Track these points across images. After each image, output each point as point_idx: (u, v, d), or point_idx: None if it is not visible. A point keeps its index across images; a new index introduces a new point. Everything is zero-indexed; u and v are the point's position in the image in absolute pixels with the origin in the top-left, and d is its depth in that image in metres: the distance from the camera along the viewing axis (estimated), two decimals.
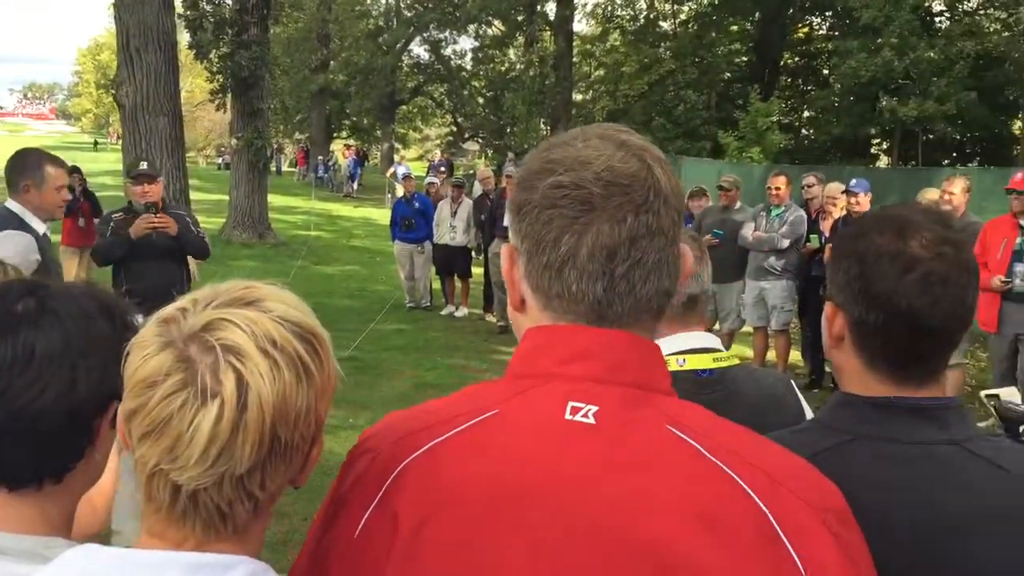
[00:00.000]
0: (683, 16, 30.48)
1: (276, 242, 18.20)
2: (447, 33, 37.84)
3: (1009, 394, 3.70)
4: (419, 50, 40.79)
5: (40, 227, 4.30)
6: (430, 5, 35.40)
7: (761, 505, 0.86)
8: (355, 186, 32.61)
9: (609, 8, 31.24)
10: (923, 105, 19.59)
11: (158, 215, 5.43)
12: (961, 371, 7.23)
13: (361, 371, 8.43)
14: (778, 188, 8.22)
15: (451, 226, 11.47)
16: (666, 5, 30.35)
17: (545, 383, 0.96)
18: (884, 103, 20.20)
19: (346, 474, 1.01)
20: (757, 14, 28.49)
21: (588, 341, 0.97)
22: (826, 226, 7.83)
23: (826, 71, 27.33)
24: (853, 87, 22.16)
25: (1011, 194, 6.47)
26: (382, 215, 21.83)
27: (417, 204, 11.83)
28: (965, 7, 24.51)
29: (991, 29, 22.82)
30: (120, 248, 5.42)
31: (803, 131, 28.60)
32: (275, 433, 0.88)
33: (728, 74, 28.83)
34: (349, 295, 13.12)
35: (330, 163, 36.51)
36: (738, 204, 8.78)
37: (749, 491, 0.87)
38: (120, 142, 16.63)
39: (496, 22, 35.09)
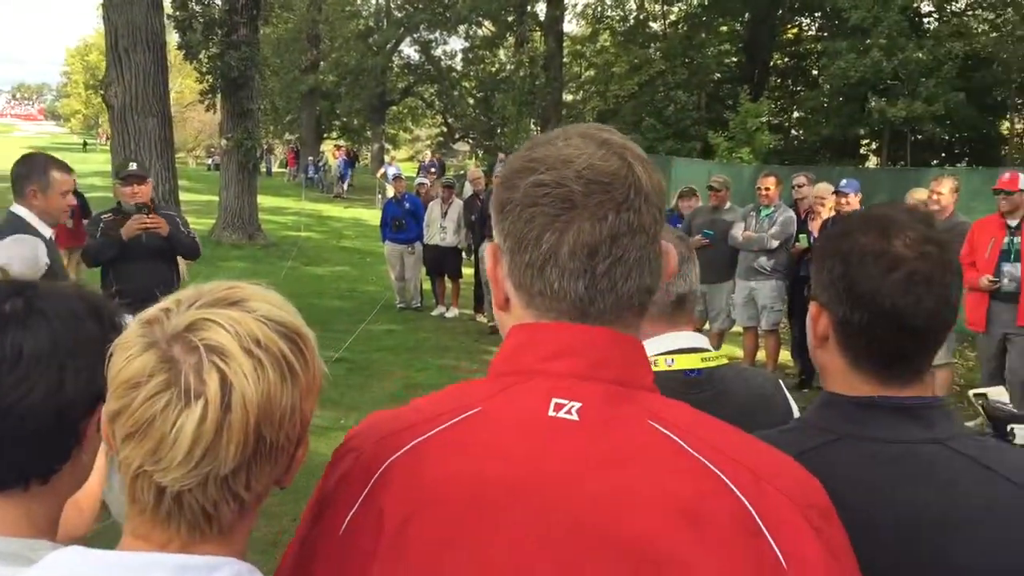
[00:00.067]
0: (673, 17, 30.54)
1: (266, 243, 18.15)
2: (437, 34, 37.80)
3: (997, 393, 3.72)
4: (409, 51, 40.85)
5: (46, 232, 4.31)
6: (420, 6, 35.36)
7: (744, 501, 0.86)
8: (345, 187, 32.55)
9: (599, 9, 31.30)
10: (912, 105, 19.66)
11: (150, 216, 5.42)
12: (950, 370, 7.26)
13: (351, 372, 8.42)
14: (768, 188, 8.25)
15: (441, 227, 11.46)
16: (656, 6, 30.41)
17: (528, 380, 0.96)
18: (873, 104, 20.26)
19: (331, 473, 1.01)
20: (747, 15, 28.56)
21: (571, 338, 0.97)
22: (815, 226, 7.85)
23: (815, 72, 27.41)
24: (842, 88, 22.24)
25: (999, 194, 6.50)
26: (372, 216, 21.81)
27: (407, 205, 11.82)
28: (953, 8, 24.62)
29: (979, 30, 22.92)
30: (111, 249, 5.40)
31: (792, 131, 28.68)
32: (260, 433, 0.88)
33: (718, 75, 28.89)
34: (339, 296, 13.09)
35: (320, 164, 36.43)
36: (728, 204, 8.81)
37: (732, 487, 0.87)
38: (109, 143, 16.57)
39: (486, 23, 35.06)
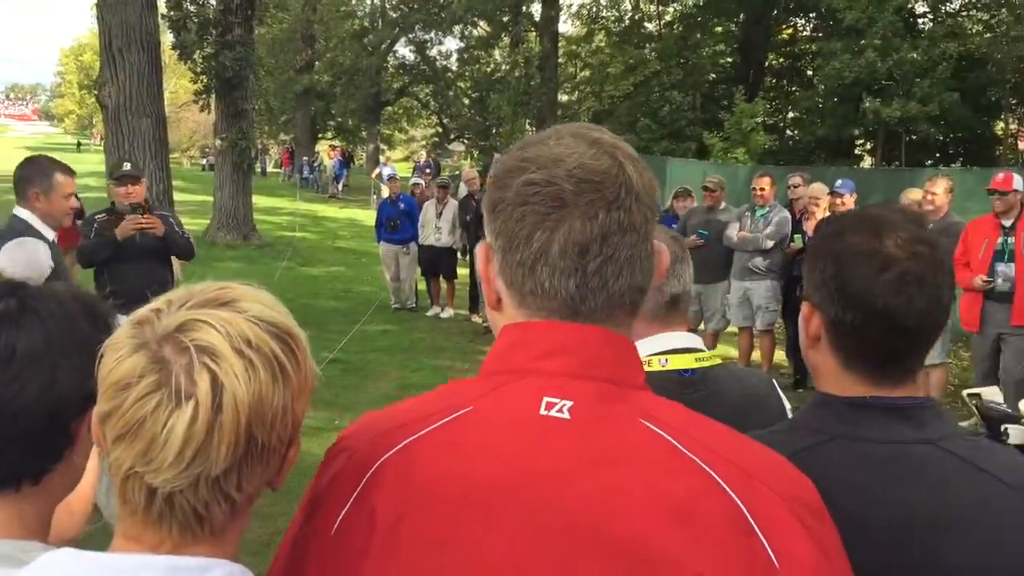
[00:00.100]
0: (668, 17, 30.58)
1: (261, 243, 18.13)
2: (432, 34, 37.83)
3: (991, 393, 3.73)
4: (404, 51, 40.84)
5: (49, 234, 4.31)
6: (415, 6, 35.36)
7: (736, 499, 0.87)
8: (340, 187, 32.53)
9: (594, 9, 31.32)
10: (906, 106, 19.71)
11: (145, 216, 5.41)
12: (944, 370, 7.28)
13: (346, 373, 8.42)
14: (763, 189, 8.26)
15: (436, 227, 11.47)
16: (651, 6, 30.44)
17: (520, 379, 0.97)
18: (868, 104, 20.32)
19: (323, 473, 1.01)
20: (742, 15, 28.62)
21: (562, 337, 0.97)
22: (809, 226, 7.86)
23: (810, 72, 27.46)
24: (837, 88, 22.30)
25: (993, 194, 6.52)
26: (368, 216, 21.79)
27: (402, 205, 11.82)
28: (948, 8, 24.69)
29: (973, 30, 23.00)
30: (106, 249, 5.39)
31: (787, 132, 28.74)
32: (251, 434, 0.87)
33: (713, 75, 28.93)
34: (334, 296, 13.09)
35: (315, 164, 36.41)
36: (723, 204, 8.81)
37: (724, 485, 0.87)
38: (103, 143, 16.54)
39: (481, 23, 35.08)
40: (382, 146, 44.10)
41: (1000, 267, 6.43)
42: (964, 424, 6.98)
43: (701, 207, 9.04)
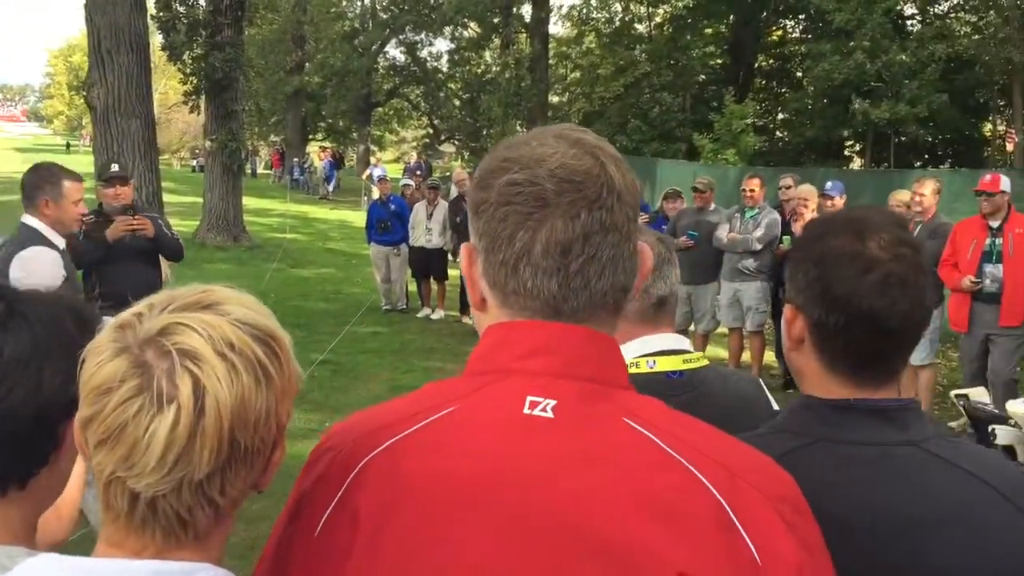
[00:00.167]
0: (658, 19, 30.63)
1: (251, 245, 18.08)
2: (423, 35, 37.75)
3: (978, 394, 3.75)
4: (395, 52, 40.76)
5: (60, 242, 4.28)
6: (406, 7, 35.30)
7: (719, 498, 0.87)
8: (331, 188, 32.47)
9: (584, 11, 31.32)
10: (895, 107, 19.81)
11: (136, 217, 5.40)
12: (933, 371, 7.31)
13: (336, 374, 8.41)
14: (752, 190, 8.28)
15: (427, 228, 11.45)
16: (641, 8, 30.46)
17: (504, 378, 0.97)
18: (857, 105, 20.40)
19: (307, 474, 1.01)
20: (731, 17, 28.70)
21: (546, 336, 0.97)
22: (798, 228, 7.88)
23: (799, 73, 27.56)
24: (826, 89, 22.39)
25: (980, 196, 6.55)
26: (358, 217, 21.76)
27: (393, 206, 11.81)
28: (936, 10, 24.82)
29: (961, 32, 23.10)
30: (97, 251, 5.37)
31: (777, 133, 28.84)
32: (233, 437, 0.87)
33: (703, 76, 29.00)
34: (325, 298, 13.06)
35: (306, 165, 36.33)
36: (712, 206, 8.83)
37: (707, 484, 0.88)
38: (92, 145, 16.48)
39: (472, 24, 35.05)
40: (373, 147, 44.02)
41: (988, 268, 6.46)
42: (953, 424, 7.01)
43: (691, 208, 9.05)
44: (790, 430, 1.28)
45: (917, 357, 6.91)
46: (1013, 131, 22.02)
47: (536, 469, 0.89)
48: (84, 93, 14.89)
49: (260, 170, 43.58)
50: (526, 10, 31.15)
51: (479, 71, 36.72)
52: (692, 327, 8.82)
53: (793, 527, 0.88)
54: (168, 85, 42.73)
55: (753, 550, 0.85)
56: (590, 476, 0.88)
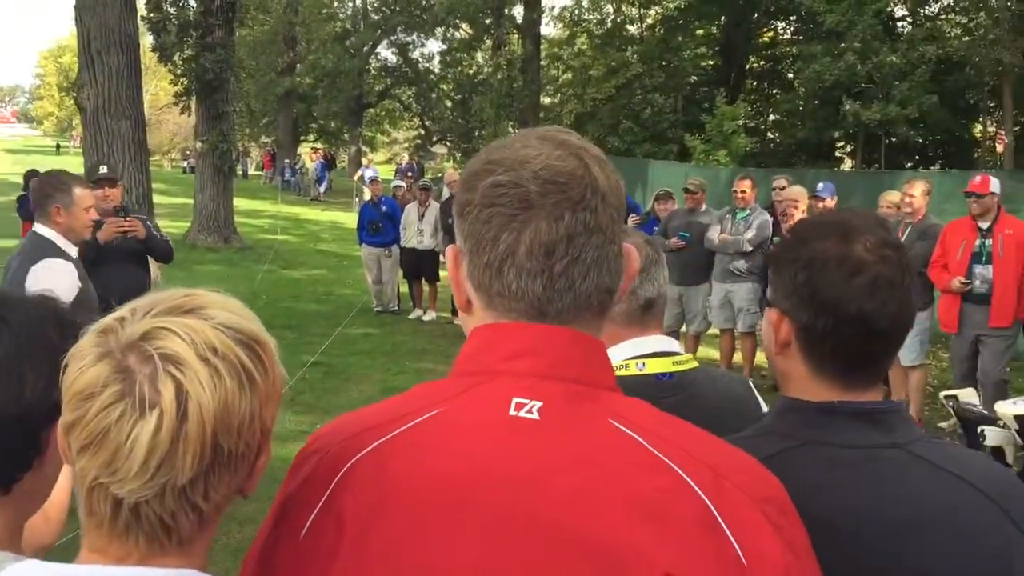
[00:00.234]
0: (650, 20, 30.65)
1: (242, 246, 18.06)
2: (415, 36, 37.73)
3: (967, 395, 3.75)
4: (386, 53, 40.68)
5: (72, 251, 4.24)
6: (397, 8, 35.26)
7: (705, 499, 0.87)
8: (322, 189, 32.43)
9: (576, 12, 31.35)
10: (886, 108, 19.87)
11: (127, 219, 5.38)
12: (923, 371, 7.33)
13: (328, 376, 8.40)
14: (743, 191, 8.29)
15: (418, 229, 11.44)
16: (633, 9, 30.49)
17: (490, 380, 0.97)
18: (848, 107, 20.45)
19: (294, 476, 1.01)
20: (723, 18, 28.76)
21: (531, 338, 0.98)
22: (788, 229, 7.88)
23: (791, 75, 27.65)
24: (817, 91, 22.45)
25: (970, 197, 6.57)
26: (350, 219, 21.75)
27: (384, 208, 11.80)
28: (926, 12, 24.90)
29: (952, 34, 23.18)
30: (89, 252, 5.35)
31: (768, 134, 28.90)
32: (217, 442, 0.87)
33: (694, 78, 29.02)
34: (316, 299, 13.05)
35: (297, 167, 36.27)
36: (704, 207, 8.85)
37: (693, 485, 0.88)
38: (82, 146, 16.44)
39: (464, 25, 35.02)
40: (364, 148, 43.97)
41: (978, 269, 6.48)
42: (943, 425, 7.03)
43: (682, 209, 9.06)
44: (776, 432, 1.28)
45: (908, 358, 6.93)
46: (1003, 132, 22.11)
47: (523, 471, 0.89)
48: (74, 94, 14.85)
49: (251, 171, 43.53)
50: (518, 11, 31.14)
51: (471, 72, 36.69)
52: (684, 328, 8.83)
53: (779, 528, 0.88)
54: (159, 86, 42.69)
55: (739, 551, 0.85)
56: (576, 478, 0.88)
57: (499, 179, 0.97)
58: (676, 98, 27.13)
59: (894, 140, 22.91)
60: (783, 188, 8.55)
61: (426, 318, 11.67)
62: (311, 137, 44.14)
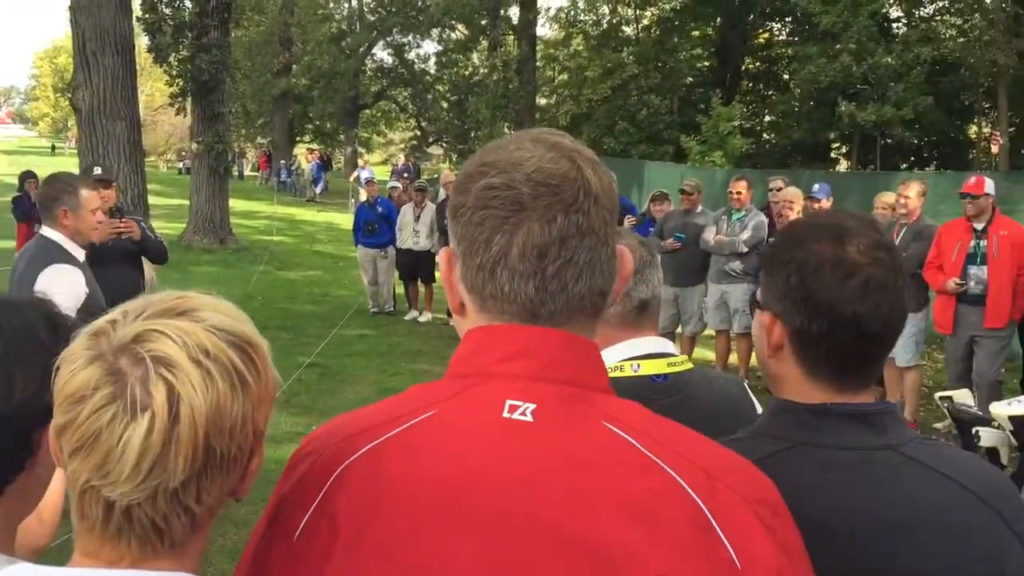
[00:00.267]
0: (645, 21, 30.69)
1: (238, 247, 18.04)
2: (410, 37, 37.70)
3: (962, 396, 3.76)
4: (382, 54, 40.68)
5: (80, 255, 4.21)
6: (393, 9, 35.26)
7: (697, 500, 0.87)
8: (318, 190, 32.40)
9: (572, 13, 31.37)
10: (881, 110, 19.91)
11: (122, 219, 5.39)
12: (918, 372, 7.34)
13: (324, 377, 8.39)
14: (739, 192, 8.30)
15: (414, 230, 11.44)
16: (628, 10, 30.52)
17: (484, 382, 0.97)
18: (843, 108, 20.48)
19: (288, 477, 1.01)
20: (719, 20, 28.79)
21: (524, 340, 0.98)
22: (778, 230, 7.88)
23: (786, 76, 27.66)
24: (813, 92, 22.46)
25: (965, 198, 6.58)
26: (345, 220, 21.73)
27: (380, 209, 11.79)
28: (921, 13, 24.95)
29: (947, 35, 23.21)
30: None
31: (764, 135, 28.94)
32: (209, 445, 0.86)
33: (690, 79, 29.06)
34: (312, 300, 13.04)
35: (293, 168, 36.24)
36: (700, 208, 8.85)
37: (685, 486, 0.88)
38: (78, 147, 16.41)
39: (460, 26, 35.02)
40: (360, 149, 43.94)
41: (972, 270, 6.50)
42: (938, 426, 7.05)
43: (678, 210, 9.07)
44: (769, 434, 1.28)
45: (903, 359, 6.94)
46: (998, 133, 22.17)
47: (517, 472, 0.89)
48: (69, 95, 14.83)
49: (247, 172, 43.46)
50: (513, 12, 31.16)
51: (467, 73, 36.66)
52: (679, 329, 8.84)
53: (772, 530, 0.89)
54: (154, 87, 42.63)
55: (732, 553, 0.85)
56: (570, 479, 0.88)
57: (492, 181, 0.97)
58: (672, 99, 27.16)
59: (889, 141, 22.93)
60: (779, 189, 8.57)
61: (422, 319, 11.66)
62: (307, 138, 44.11)
